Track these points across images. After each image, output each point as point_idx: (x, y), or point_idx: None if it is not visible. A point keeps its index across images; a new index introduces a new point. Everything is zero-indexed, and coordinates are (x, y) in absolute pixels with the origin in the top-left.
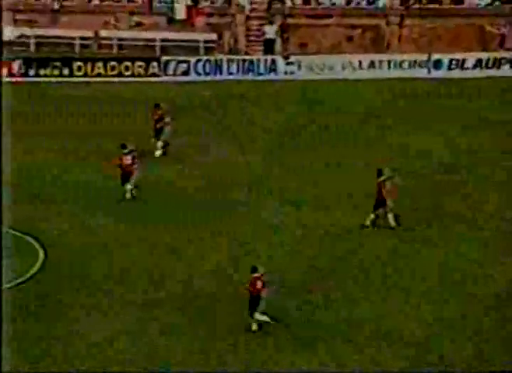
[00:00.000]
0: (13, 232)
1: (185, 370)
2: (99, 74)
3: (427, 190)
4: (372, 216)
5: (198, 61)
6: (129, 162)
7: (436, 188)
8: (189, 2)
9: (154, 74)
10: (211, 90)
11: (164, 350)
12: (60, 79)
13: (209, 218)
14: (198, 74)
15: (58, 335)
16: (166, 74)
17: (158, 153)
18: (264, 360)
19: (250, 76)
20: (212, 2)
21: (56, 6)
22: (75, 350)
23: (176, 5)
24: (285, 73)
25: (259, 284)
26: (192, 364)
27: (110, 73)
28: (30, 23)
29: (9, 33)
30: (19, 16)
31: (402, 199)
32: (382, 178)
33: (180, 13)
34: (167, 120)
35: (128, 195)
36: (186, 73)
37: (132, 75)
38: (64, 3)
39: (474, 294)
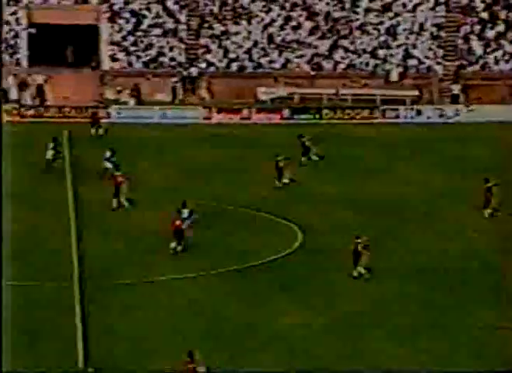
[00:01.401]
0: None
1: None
2: (340, 118)
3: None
4: (488, 210)
5: (406, 109)
6: (282, 165)
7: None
8: (400, 69)
9: (375, 118)
10: (413, 129)
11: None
12: (314, 121)
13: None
14: (405, 118)
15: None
16: (384, 118)
17: (314, 158)
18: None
19: (441, 120)
20: (417, 70)
21: (312, 73)
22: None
23: (391, 72)
24: (467, 117)
25: (359, 247)
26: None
27: (346, 117)
28: (296, 85)
29: (280, 91)
30: (287, 80)
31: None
32: (489, 184)
33: (394, 77)
34: (308, 143)
35: (280, 184)
36: (397, 117)
37: (361, 118)
38: (315, 72)
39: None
